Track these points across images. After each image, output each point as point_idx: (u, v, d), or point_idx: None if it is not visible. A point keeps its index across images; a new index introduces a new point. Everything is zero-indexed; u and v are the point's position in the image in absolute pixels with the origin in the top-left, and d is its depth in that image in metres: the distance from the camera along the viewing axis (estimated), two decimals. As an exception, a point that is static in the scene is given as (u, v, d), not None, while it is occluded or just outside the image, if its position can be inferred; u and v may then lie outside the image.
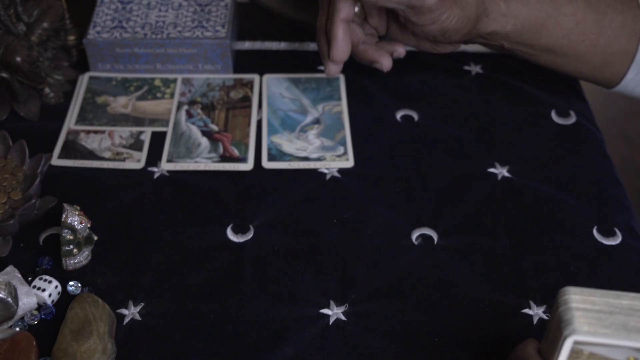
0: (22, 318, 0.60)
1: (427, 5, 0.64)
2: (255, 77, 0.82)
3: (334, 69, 0.69)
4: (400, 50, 0.71)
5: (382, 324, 0.60)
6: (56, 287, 0.62)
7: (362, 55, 0.70)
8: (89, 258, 0.65)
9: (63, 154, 0.74)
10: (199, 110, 0.78)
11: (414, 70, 0.84)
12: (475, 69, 0.85)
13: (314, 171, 0.73)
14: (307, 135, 0.76)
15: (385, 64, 0.69)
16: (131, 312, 0.61)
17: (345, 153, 0.74)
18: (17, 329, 0.59)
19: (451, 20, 0.65)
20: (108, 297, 0.61)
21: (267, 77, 0.82)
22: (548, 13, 0.68)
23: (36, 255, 0.65)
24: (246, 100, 0.80)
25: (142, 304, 0.62)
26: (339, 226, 0.68)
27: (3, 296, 0.57)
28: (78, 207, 0.63)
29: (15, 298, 0.58)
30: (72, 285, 0.62)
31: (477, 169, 0.73)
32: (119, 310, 0.61)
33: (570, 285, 0.63)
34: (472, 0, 0.66)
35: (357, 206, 0.70)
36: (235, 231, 0.67)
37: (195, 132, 0.76)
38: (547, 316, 0.61)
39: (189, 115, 0.78)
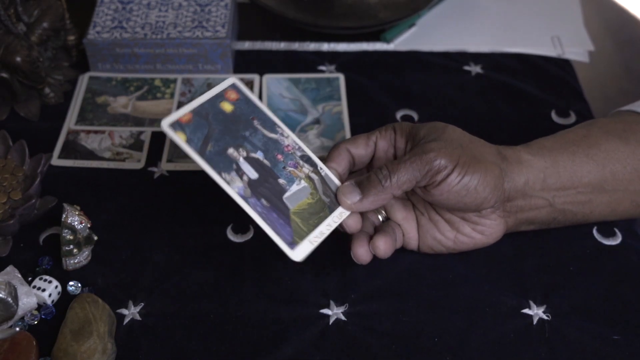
0: (22, 318, 0.60)
1: (434, 166, 0.57)
2: (255, 77, 0.82)
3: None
4: (379, 245, 0.59)
5: (382, 324, 0.60)
6: (56, 287, 0.62)
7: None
8: (89, 258, 0.65)
9: (63, 154, 0.74)
10: (199, 110, 0.78)
11: (414, 70, 0.84)
12: (475, 69, 0.85)
13: (314, 171, 0.73)
14: (307, 135, 0.76)
15: (359, 255, 0.60)
16: (131, 312, 0.61)
17: (345, 153, 0.74)
18: (17, 329, 0.59)
19: (470, 176, 0.57)
20: (108, 297, 0.61)
21: (267, 77, 0.82)
22: (574, 149, 0.61)
23: (36, 255, 0.65)
24: (246, 100, 0.80)
25: (142, 304, 0.62)
26: (339, 226, 0.68)
27: (3, 296, 0.57)
28: (78, 207, 0.63)
29: (15, 298, 0.58)
30: (72, 285, 0.62)
31: (477, 169, 0.73)
32: (119, 310, 0.61)
33: (569, 285, 0.63)
34: (485, 151, 0.59)
35: (357, 206, 0.69)
36: (235, 231, 0.67)
37: (195, 132, 0.76)
38: (547, 316, 0.61)
39: (189, 115, 0.78)
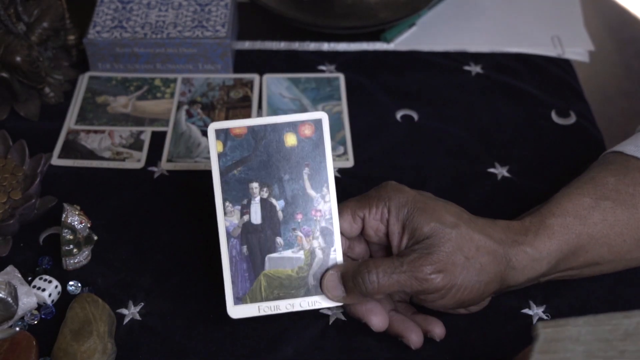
0: (22, 318, 0.60)
1: (430, 288, 0.54)
2: (255, 77, 0.82)
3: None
4: (437, 332, 0.58)
5: (382, 324, 0.60)
6: (56, 287, 0.62)
7: (389, 327, 0.58)
8: (89, 258, 0.65)
9: (63, 154, 0.74)
10: (199, 110, 0.78)
11: (414, 70, 0.84)
12: (475, 69, 0.85)
13: (314, 171, 0.73)
14: (307, 135, 0.76)
15: (414, 339, 0.57)
16: (131, 312, 0.61)
17: (345, 153, 0.74)
18: (17, 329, 0.59)
19: (463, 291, 0.55)
20: (108, 297, 0.61)
21: (267, 77, 0.83)
22: (577, 232, 0.57)
23: (36, 255, 0.65)
24: (246, 100, 0.80)
25: (142, 304, 0.62)
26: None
27: (3, 296, 0.57)
28: (78, 207, 0.63)
29: (15, 298, 0.58)
30: (72, 285, 0.62)
31: (477, 169, 0.73)
32: (119, 310, 0.61)
33: (569, 285, 0.63)
34: (489, 260, 0.55)
35: (357, 206, 0.69)
36: (235, 231, 0.67)
37: (195, 131, 0.76)
38: (546, 316, 0.61)
39: (189, 115, 0.78)
